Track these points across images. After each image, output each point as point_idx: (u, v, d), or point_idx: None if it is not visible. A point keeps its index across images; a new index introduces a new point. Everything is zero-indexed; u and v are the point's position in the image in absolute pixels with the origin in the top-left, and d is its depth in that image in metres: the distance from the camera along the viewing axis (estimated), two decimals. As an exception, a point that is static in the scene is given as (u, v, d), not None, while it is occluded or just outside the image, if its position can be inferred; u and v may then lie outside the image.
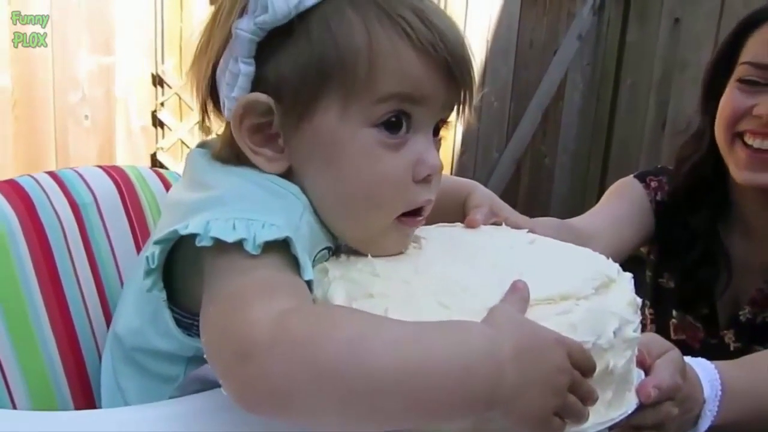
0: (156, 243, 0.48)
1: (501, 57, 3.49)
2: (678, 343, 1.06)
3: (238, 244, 0.44)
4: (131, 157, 2.37)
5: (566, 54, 3.62)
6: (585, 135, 3.87)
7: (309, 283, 0.47)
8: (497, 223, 0.66)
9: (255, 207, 0.48)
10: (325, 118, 0.51)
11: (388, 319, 0.44)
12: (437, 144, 0.56)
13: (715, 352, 1.01)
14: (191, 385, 0.52)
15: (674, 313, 1.07)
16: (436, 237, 0.59)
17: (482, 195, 0.71)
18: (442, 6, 3.07)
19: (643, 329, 1.18)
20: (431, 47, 0.50)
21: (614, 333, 0.47)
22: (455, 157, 3.44)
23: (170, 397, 0.52)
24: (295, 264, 0.47)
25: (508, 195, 3.65)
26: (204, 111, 0.56)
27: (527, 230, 0.64)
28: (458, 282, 0.48)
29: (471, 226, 0.64)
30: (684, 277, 1.05)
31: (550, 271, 0.52)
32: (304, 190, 0.53)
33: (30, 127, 2.20)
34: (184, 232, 0.45)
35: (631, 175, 1.11)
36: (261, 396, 0.40)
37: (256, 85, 0.51)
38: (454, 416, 0.42)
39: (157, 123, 2.39)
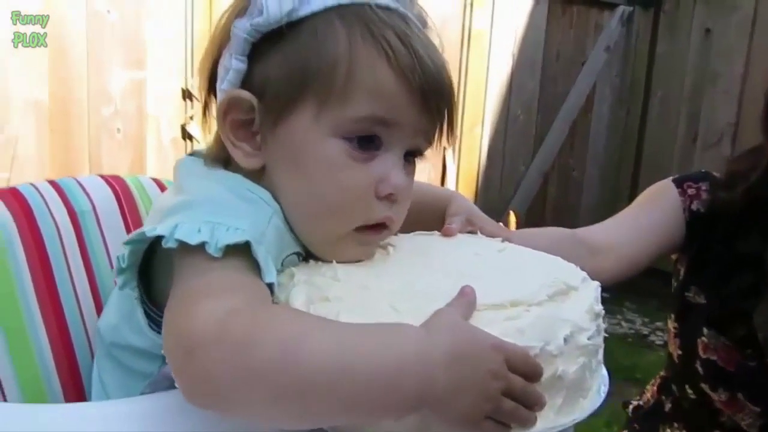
0: (126, 243, 0.51)
1: (527, 70, 3.48)
2: (708, 364, 1.01)
3: (201, 247, 0.47)
4: (161, 169, 2.44)
5: (594, 66, 3.59)
6: (614, 148, 3.82)
7: (271, 286, 0.49)
8: (473, 233, 0.67)
9: (223, 211, 0.50)
10: (298, 122, 0.53)
11: (327, 322, 0.45)
12: (411, 168, 0.59)
13: (754, 375, 0.96)
14: (162, 382, 0.54)
15: (705, 330, 1.00)
16: (405, 244, 0.60)
17: (461, 205, 0.72)
18: (466, 22, 3.10)
19: (667, 343, 1.13)
20: (409, 71, 0.52)
21: (565, 339, 0.48)
22: (481, 171, 3.44)
23: (141, 393, 0.54)
24: (257, 267, 0.49)
25: (536, 208, 3.63)
26: (206, 103, 0.60)
27: (501, 239, 0.65)
28: (415, 287, 0.50)
29: (446, 234, 0.65)
30: (722, 302, 0.98)
31: (507, 278, 0.53)
32: (275, 190, 0.55)
33: (65, 140, 2.30)
34: (150, 234, 0.48)
35: (670, 178, 1.05)
36: (203, 391, 0.42)
37: (246, 83, 0.55)
38: (385, 415, 0.43)
39: (186, 136, 2.46)
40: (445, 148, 3.31)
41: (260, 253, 0.49)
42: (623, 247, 0.96)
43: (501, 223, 0.75)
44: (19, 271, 0.64)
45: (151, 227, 0.49)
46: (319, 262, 0.56)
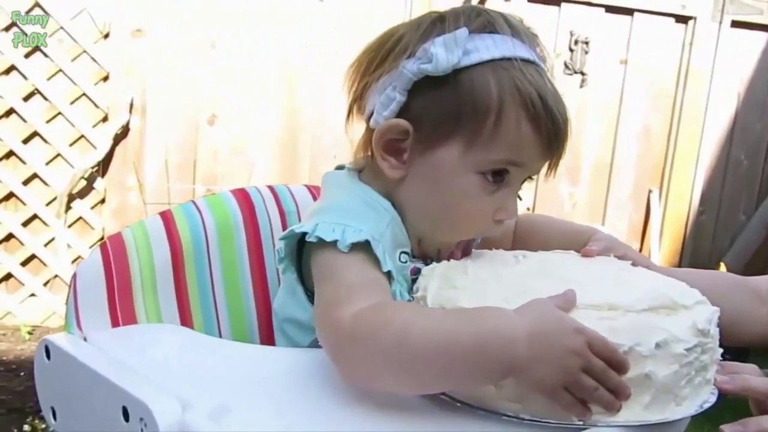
0: (281, 239, 0.68)
1: (755, 112, 3.20)
2: None
3: (334, 243, 0.62)
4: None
5: (843, 109, 3.16)
6: None
7: (389, 274, 0.63)
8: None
9: (351, 215, 0.65)
10: (446, 155, 0.66)
11: (428, 310, 0.58)
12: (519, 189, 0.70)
13: None
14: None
15: None
16: (536, 256, 0.68)
17: (604, 235, 0.78)
18: (684, 59, 2.95)
19: None
20: (543, 125, 0.65)
21: (657, 344, 0.52)
22: (691, 216, 3.21)
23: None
24: (376, 260, 0.63)
25: (757, 262, 3.25)
26: (351, 108, 0.73)
27: (632, 262, 0.69)
28: (526, 286, 0.58)
29: (585, 255, 0.72)
30: None
31: (615, 288, 0.59)
32: (406, 199, 0.69)
33: (290, 164, 2.70)
34: (298, 230, 0.65)
35: None
36: (350, 373, 0.58)
37: (403, 111, 0.67)
38: (480, 381, 0.54)
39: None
40: (650, 191, 3.16)
41: (378, 249, 0.63)
42: None
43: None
44: (241, 246, 0.85)
45: (299, 226, 0.65)
46: (455, 261, 0.67)
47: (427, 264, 0.70)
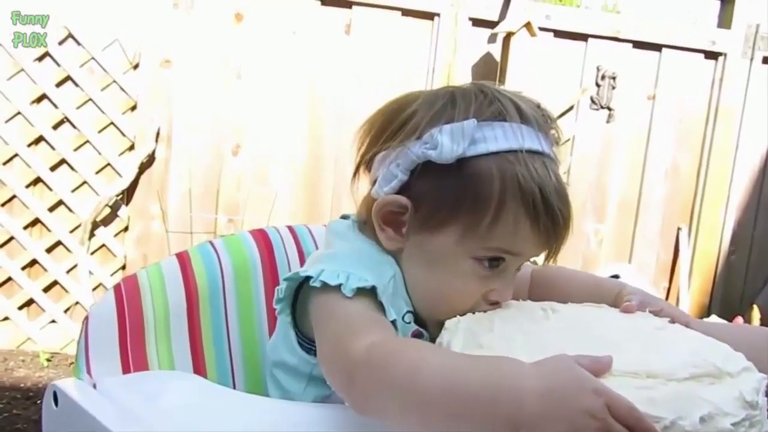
0: (284, 280, 0.66)
1: (788, 148, 3.11)
2: None
3: (338, 288, 0.61)
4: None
5: None
6: None
7: (394, 323, 0.62)
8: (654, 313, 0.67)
9: (356, 265, 0.64)
10: (443, 239, 0.66)
11: (443, 351, 0.56)
12: (515, 273, 0.70)
13: None
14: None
15: None
16: (567, 310, 0.65)
17: (634, 289, 0.74)
18: (713, 96, 2.90)
19: None
20: (542, 222, 0.65)
21: (701, 419, 0.48)
22: (721, 257, 3.12)
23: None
24: (381, 309, 0.61)
25: (792, 307, 3.15)
26: (358, 169, 0.74)
27: (669, 320, 0.65)
28: (554, 346, 0.54)
29: (626, 311, 0.67)
30: None
31: (652, 352, 0.54)
32: (402, 269, 0.68)
33: (313, 191, 2.70)
34: (303, 274, 0.64)
35: None
36: (362, 404, 0.55)
37: (404, 189, 0.67)
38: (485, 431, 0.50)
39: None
40: (679, 228, 3.08)
41: (383, 297, 0.62)
42: None
43: (740, 318, 0.73)
44: (257, 287, 0.83)
45: (303, 269, 0.65)
46: (482, 315, 0.64)
47: (423, 332, 0.69)
